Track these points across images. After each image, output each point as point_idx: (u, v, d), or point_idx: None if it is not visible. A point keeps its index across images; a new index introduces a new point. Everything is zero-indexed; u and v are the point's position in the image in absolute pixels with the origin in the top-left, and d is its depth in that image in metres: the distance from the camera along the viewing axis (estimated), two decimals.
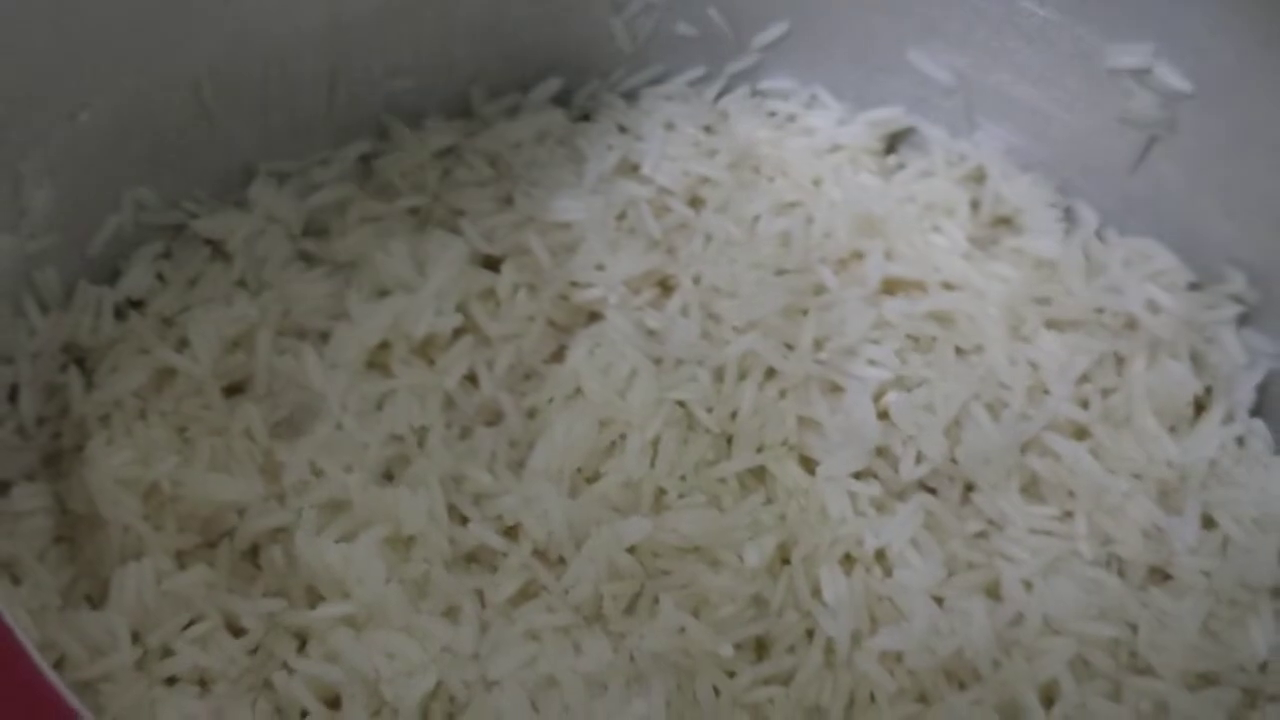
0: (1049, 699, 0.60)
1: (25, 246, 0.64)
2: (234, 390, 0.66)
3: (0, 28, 0.57)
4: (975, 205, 0.72)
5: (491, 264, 0.70)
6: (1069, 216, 0.72)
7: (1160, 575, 0.63)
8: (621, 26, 0.75)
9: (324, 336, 0.67)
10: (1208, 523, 0.63)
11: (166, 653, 0.59)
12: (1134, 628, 0.61)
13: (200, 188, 0.71)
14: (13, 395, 0.64)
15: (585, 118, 0.76)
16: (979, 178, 0.73)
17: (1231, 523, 0.62)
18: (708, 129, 0.75)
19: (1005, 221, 0.73)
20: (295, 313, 0.68)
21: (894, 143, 0.76)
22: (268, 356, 0.66)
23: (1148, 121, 0.67)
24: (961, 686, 0.60)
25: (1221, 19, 0.60)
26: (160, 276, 0.69)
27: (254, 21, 0.68)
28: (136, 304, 0.68)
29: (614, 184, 0.72)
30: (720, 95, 0.77)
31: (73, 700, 0.45)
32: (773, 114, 0.76)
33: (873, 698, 0.60)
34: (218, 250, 0.70)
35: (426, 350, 0.68)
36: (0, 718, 0.45)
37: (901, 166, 0.75)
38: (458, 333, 0.68)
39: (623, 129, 0.75)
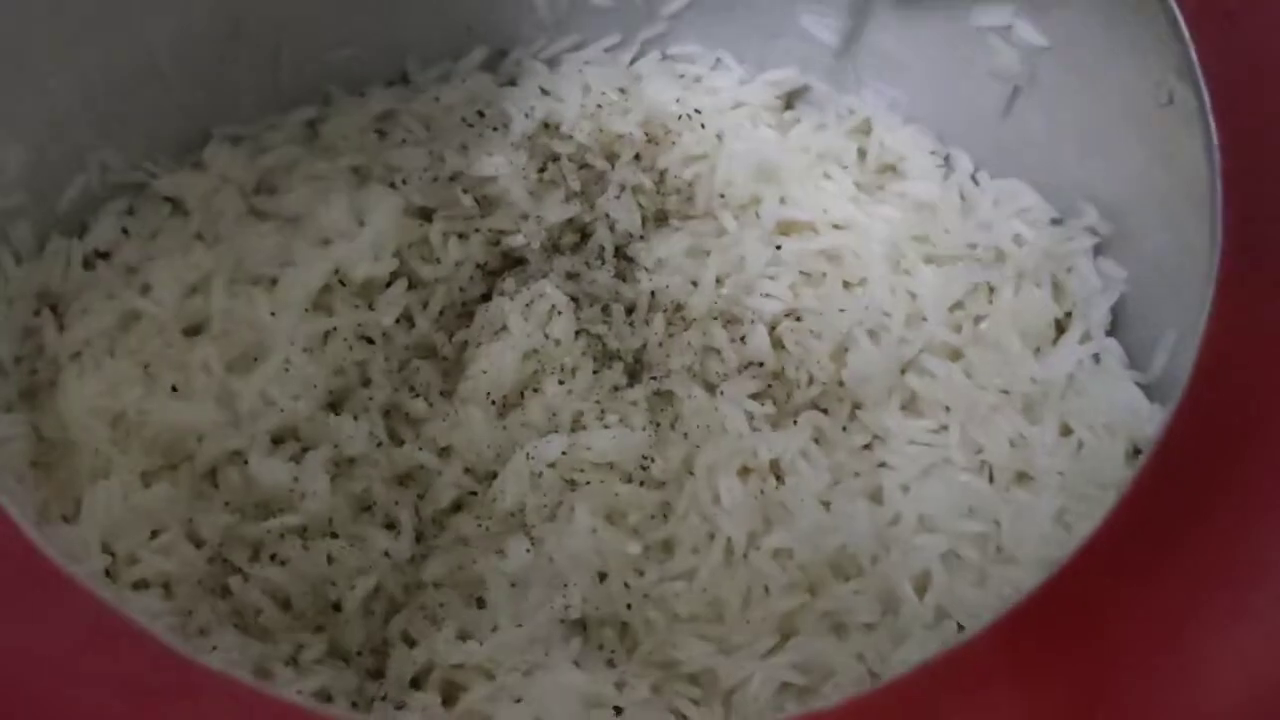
0: (923, 588, 0.63)
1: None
2: (192, 331, 0.70)
3: None
4: (862, 154, 0.76)
5: (425, 215, 0.74)
6: (947, 162, 0.76)
7: (1023, 478, 0.66)
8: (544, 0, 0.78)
9: (273, 282, 0.71)
10: (1065, 430, 0.67)
11: (133, 560, 0.63)
12: (998, 523, 0.64)
13: (160, 151, 0.74)
14: None
15: (511, 83, 0.79)
16: (866, 130, 0.77)
17: (1085, 429, 0.66)
18: (622, 90, 0.77)
19: (890, 168, 0.76)
20: (247, 262, 0.71)
21: (791, 100, 0.79)
22: (223, 300, 0.70)
23: (1011, 74, 0.71)
24: (845, 579, 0.64)
25: None
26: (124, 230, 0.72)
27: None
28: (103, 255, 0.71)
29: (536, 141, 0.75)
30: (634, 60, 0.80)
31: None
32: (681, 76, 0.79)
33: (767, 590, 0.64)
34: (177, 207, 0.74)
35: (366, 293, 0.71)
36: None
37: (798, 121, 0.78)
38: (394, 277, 0.72)
39: (545, 92, 0.77)
